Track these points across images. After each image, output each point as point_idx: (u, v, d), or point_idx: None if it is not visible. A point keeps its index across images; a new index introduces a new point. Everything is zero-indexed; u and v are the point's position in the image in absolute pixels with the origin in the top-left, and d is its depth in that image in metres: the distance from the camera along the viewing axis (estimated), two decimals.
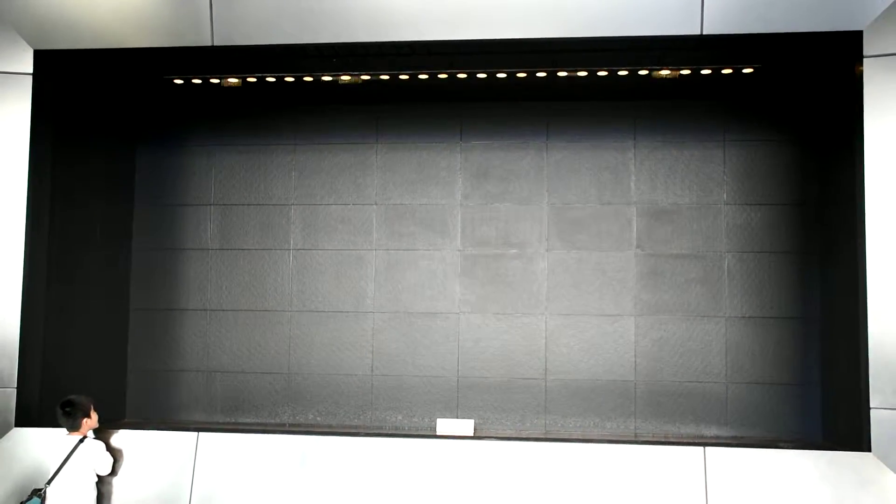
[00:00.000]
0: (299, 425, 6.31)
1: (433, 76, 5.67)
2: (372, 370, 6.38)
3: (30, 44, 5.22)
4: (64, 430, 4.80)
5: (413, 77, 5.69)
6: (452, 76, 5.66)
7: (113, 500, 4.96)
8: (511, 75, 5.65)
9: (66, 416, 4.75)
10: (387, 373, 6.36)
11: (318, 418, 6.39)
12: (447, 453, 4.90)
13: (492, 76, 5.66)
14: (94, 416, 4.87)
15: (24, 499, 4.63)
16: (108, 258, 6.25)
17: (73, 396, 4.81)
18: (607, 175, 6.30)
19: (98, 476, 4.85)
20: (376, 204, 6.48)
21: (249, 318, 6.52)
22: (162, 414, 6.48)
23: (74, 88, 5.65)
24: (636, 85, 5.82)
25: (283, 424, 6.35)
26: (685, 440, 5.56)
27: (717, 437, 5.94)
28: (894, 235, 4.65)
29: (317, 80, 5.76)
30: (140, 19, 5.18)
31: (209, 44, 5.14)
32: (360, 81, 5.74)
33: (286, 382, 6.45)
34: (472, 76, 5.66)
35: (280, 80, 5.79)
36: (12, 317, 5.12)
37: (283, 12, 5.08)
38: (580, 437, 5.52)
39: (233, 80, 5.83)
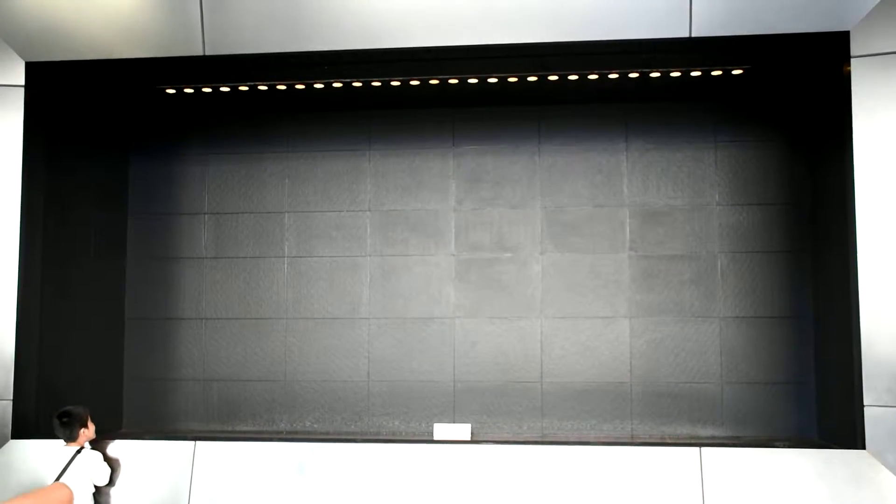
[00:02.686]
0: (296, 433, 6.31)
1: (424, 82, 5.69)
2: (368, 376, 6.39)
3: (21, 56, 5.24)
4: (61, 442, 4.80)
5: (404, 83, 5.71)
6: (444, 82, 5.68)
7: None
8: (502, 80, 5.67)
9: (63, 427, 4.74)
10: (383, 378, 6.37)
11: (316, 425, 6.39)
12: (444, 458, 4.91)
13: (483, 81, 5.68)
14: (91, 426, 4.88)
15: None
16: (102, 268, 6.24)
17: (69, 407, 4.82)
18: (600, 178, 6.32)
19: (96, 487, 4.85)
20: (370, 210, 6.49)
21: (245, 327, 6.52)
22: (159, 423, 6.47)
23: (67, 99, 5.66)
24: (627, 87, 5.86)
25: (281, 432, 6.35)
26: (681, 441, 5.58)
27: (713, 438, 5.96)
28: (885, 233, 4.69)
29: (308, 88, 5.79)
30: (131, 30, 5.19)
31: (201, 53, 5.16)
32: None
33: (283, 390, 6.45)
34: (463, 82, 5.68)
35: (272, 88, 5.81)
36: (7, 327, 5.12)
37: (274, 21, 5.10)
38: (577, 440, 5.53)
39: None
